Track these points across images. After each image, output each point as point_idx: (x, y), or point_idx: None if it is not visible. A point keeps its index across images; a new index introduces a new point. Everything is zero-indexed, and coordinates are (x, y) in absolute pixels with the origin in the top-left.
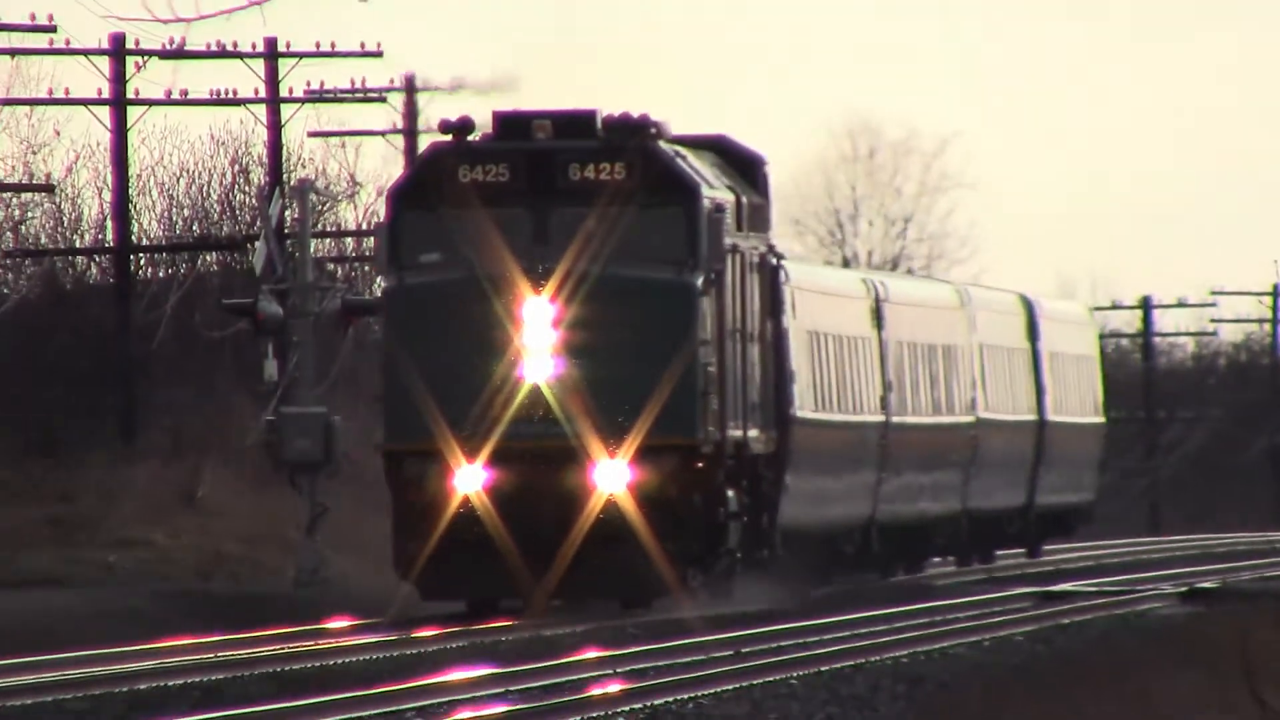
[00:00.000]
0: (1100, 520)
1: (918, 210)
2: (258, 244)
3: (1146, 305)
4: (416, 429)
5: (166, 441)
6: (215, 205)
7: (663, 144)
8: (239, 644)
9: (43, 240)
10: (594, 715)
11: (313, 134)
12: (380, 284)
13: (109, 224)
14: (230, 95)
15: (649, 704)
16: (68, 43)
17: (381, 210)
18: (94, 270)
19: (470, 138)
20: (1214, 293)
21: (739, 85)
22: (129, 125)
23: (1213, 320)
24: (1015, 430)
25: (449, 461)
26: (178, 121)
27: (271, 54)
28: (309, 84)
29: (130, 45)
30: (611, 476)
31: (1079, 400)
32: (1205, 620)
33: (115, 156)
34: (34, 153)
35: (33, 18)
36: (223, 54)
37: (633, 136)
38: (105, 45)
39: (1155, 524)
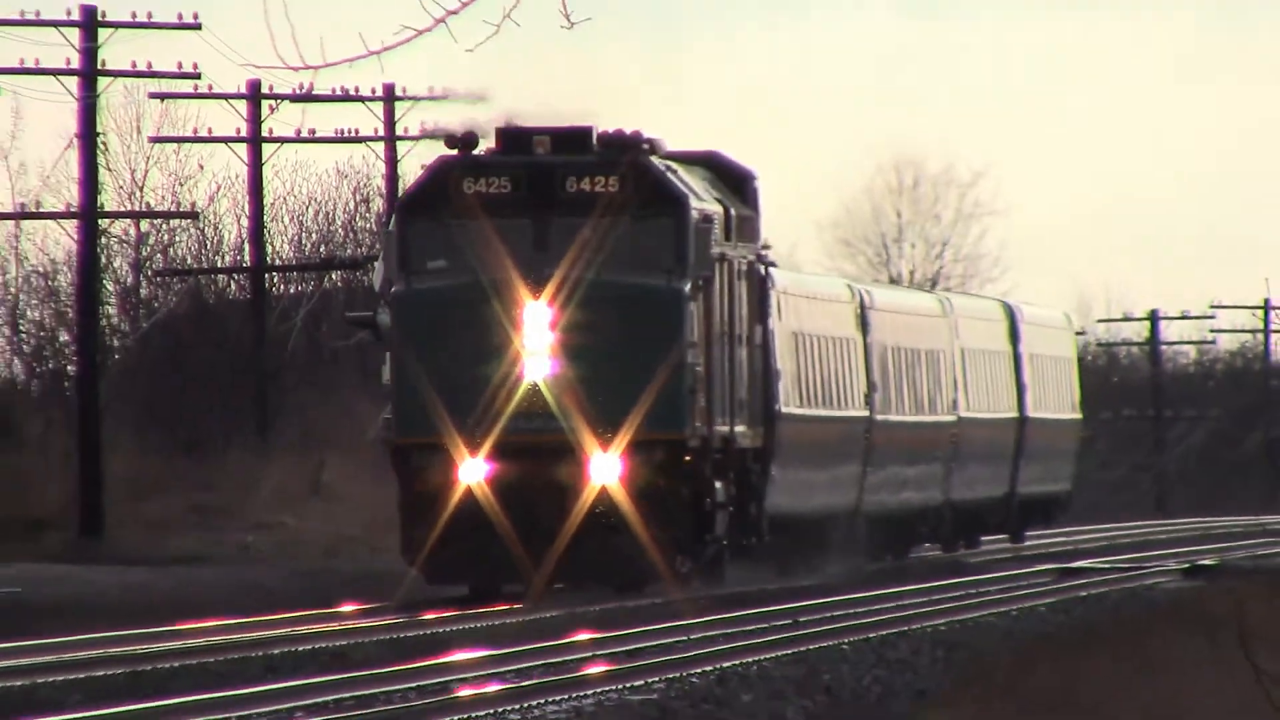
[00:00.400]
0: (1114, 507)
1: (954, 234)
2: (377, 264)
3: (1154, 317)
4: (423, 424)
5: (296, 438)
6: (339, 230)
7: (655, 159)
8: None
9: (188, 261)
10: (671, 675)
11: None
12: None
13: (246, 246)
14: (353, 134)
15: (718, 666)
16: (210, 88)
17: None
18: (233, 287)
19: (475, 152)
20: (1213, 306)
21: (798, 121)
22: (264, 160)
23: (1212, 330)
24: (997, 427)
25: (453, 454)
26: (306, 157)
27: (389, 98)
28: (422, 124)
29: (265, 90)
30: (605, 469)
31: (1057, 398)
32: (1205, 593)
33: (252, 187)
34: (181, 184)
35: (179, 66)
36: (346, 98)
37: (626, 152)
38: (243, 90)
39: (1162, 509)
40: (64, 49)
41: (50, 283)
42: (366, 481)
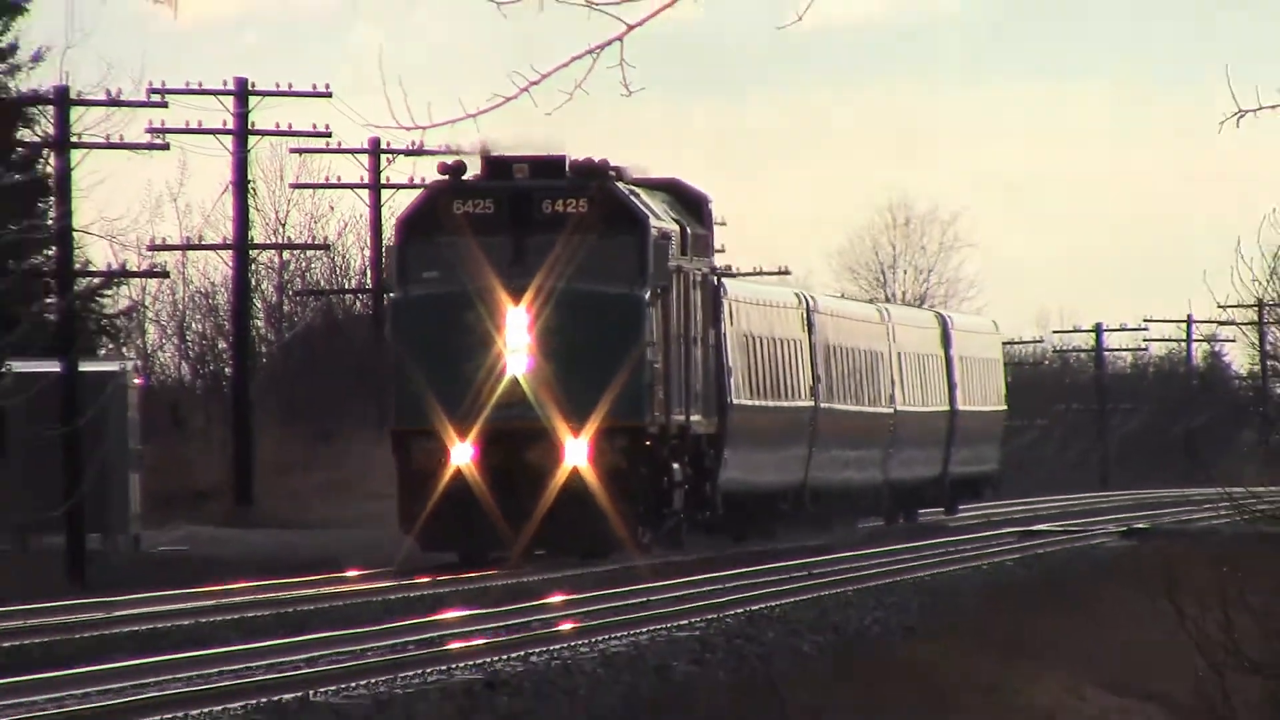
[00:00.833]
0: (1067, 482)
1: (938, 263)
2: None
3: (1098, 329)
4: (418, 414)
5: None
6: None
7: (620, 185)
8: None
9: (321, 283)
10: (711, 616)
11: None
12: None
13: (369, 272)
14: None
15: (748, 609)
16: (339, 144)
17: None
18: (358, 305)
19: (463, 177)
20: (1145, 320)
21: (813, 170)
22: (382, 203)
23: (1145, 340)
24: (930, 417)
25: (444, 440)
26: None
27: (484, 153)
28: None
29: (383, 146)
30: (575, 452)
31: (984, 394)
32: (1139, 551)
33: (373, 224)
34: (315, 221)
35: (314, 126)
36: (449, 152)
37: (594, 178)
38: (366, 146)
39: (1105, 484)
40: (221, 113)
41: (210, 301)
42: None
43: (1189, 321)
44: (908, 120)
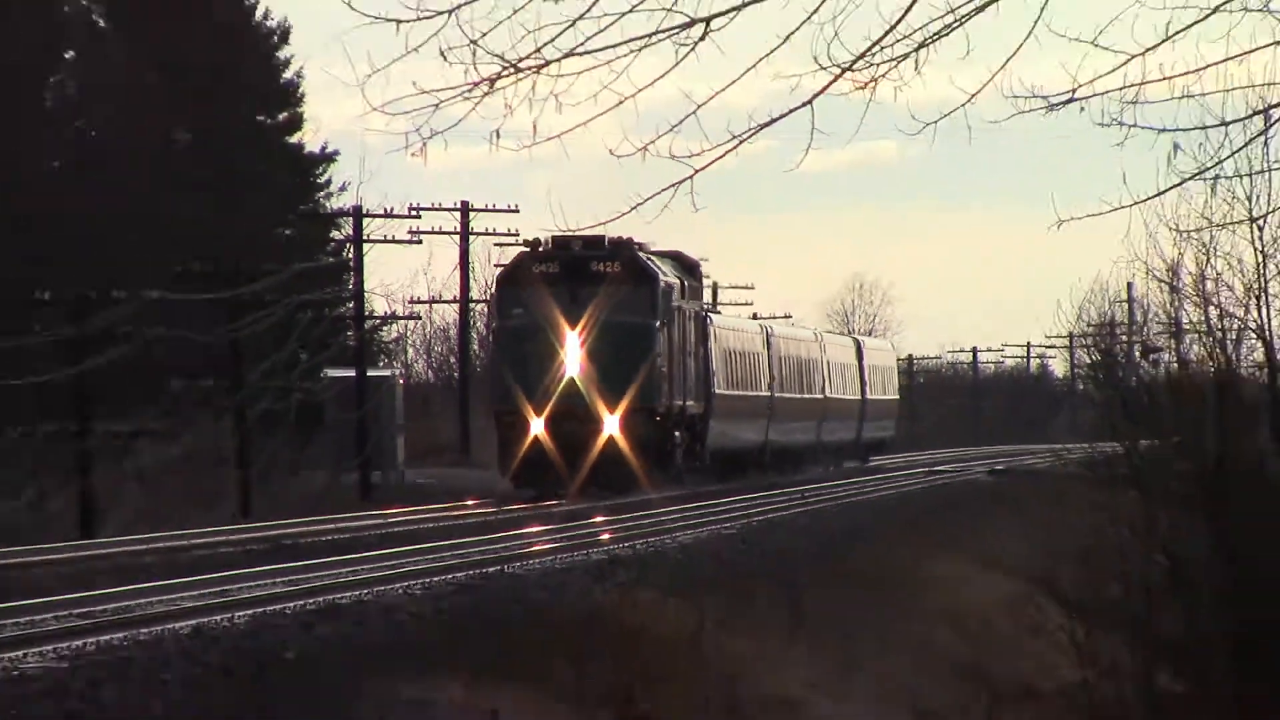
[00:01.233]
0: (954, 444)
1: (880, 312)
2: None
3: (975, 351)
4: (510, 400)
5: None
6: None
7: (640, 253)
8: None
9: None
10: (742, 521)
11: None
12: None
13: None
14: None
15: (760, 518)
16: (521, 239)
17: None
18: None
19: (539, 248)
20: (1003, 344)
21: (795, 244)
22: None
23: (1002, 356)
24: (849, 403)
25: (526, 417)
26: None
27: (629, 242)
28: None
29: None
30: (611, 425)
31: (884, 389)
32: (1002, 484)
33: None
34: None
35: (508, 229)
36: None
37: (623, 249)
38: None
39: (977, 443)
40: (453, 220)
41: (446, 334)
42: None
43: (1028, 345)
44: (864, 227)
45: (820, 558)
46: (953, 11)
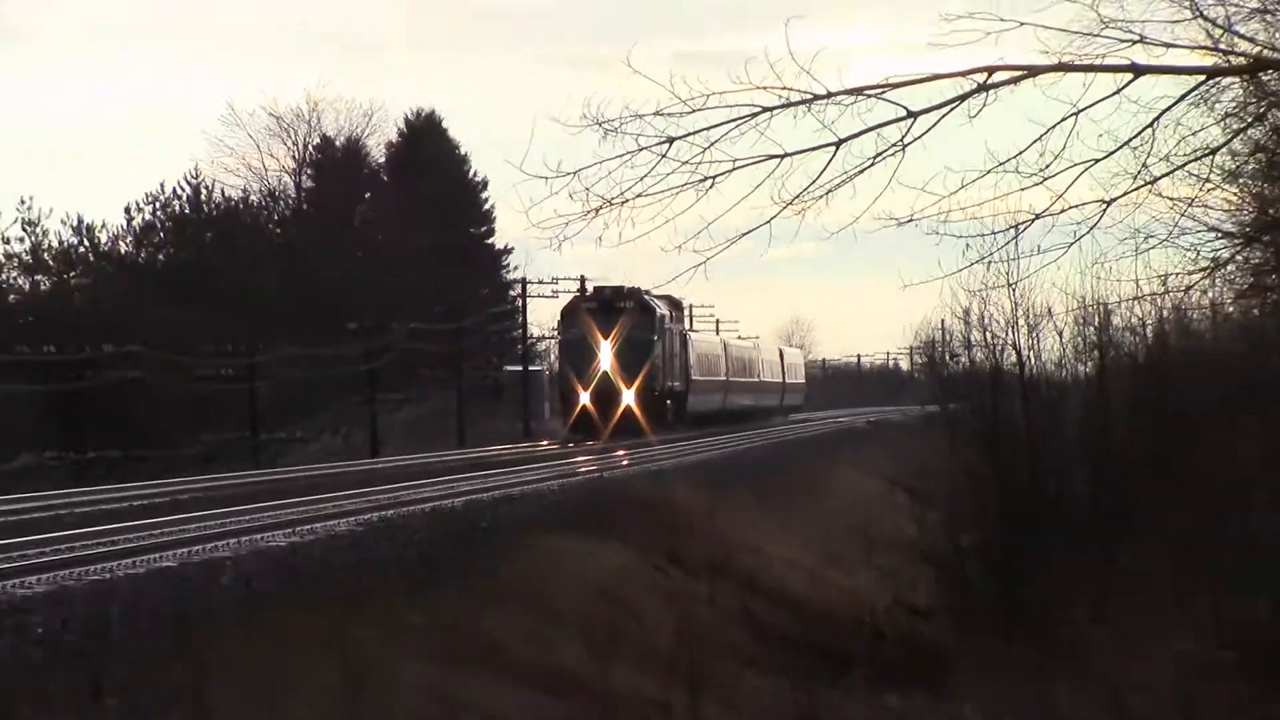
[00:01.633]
0: (846, 406)
1: (807, 334)
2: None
3: (859, 356)
4: (569, 383)
5: None
6: None
7: (646, 296)
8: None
9: None
10: (719, 454)
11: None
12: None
13: None
14: None
15: (733, 448)
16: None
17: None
18: None
19: (585, 292)
20: (874, 351)
21: (753, 297)
22: None
23: (875, 358)
24: (774, 384)
25: (577, 392)
26: None
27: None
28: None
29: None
30: (628, 398)
31: (797, 376)
32: (874, 429)
33: None
34: None
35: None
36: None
37: (635, 294)
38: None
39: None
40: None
41: None
42: None
43: (888, 353)
44: (800, 286)
45: (768, 470)
46: (845, 174)
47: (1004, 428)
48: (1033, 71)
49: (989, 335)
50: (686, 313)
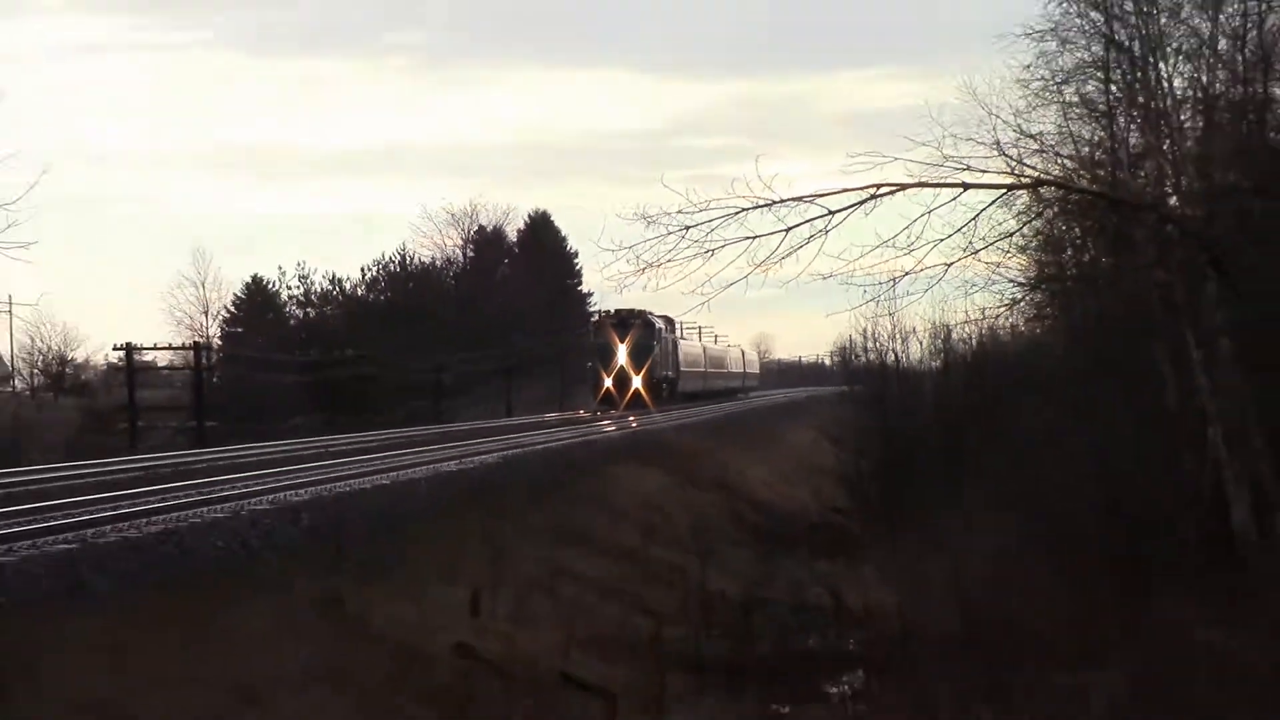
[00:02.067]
0: (788, 385)
1: (768, 341)
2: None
3: (800, 356)
4: (596, 374)
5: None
6: None
7: (649, 315)
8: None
9: None
10: (709, 420)
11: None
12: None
13: None
14: None
15: (711, 416)
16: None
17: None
18: None
19: (608, 313)
20: (812, 354)
21: (736, 319)
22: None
23: (810, 358)
24: (736, 374)
25: (603, 378)
26: None
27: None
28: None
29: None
30: (637, 382)
31: (753, 369)
32: (808, 402)
33: None
34: None
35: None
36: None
37: (642, 314)
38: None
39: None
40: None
41: None
42: None
43: (818, 355)
44: (765, 316)
45: (741, 424)
46: (791, 249)
47: (886, 400)
48: (903, 186)
49: (878, 344)
50: (678, 326)
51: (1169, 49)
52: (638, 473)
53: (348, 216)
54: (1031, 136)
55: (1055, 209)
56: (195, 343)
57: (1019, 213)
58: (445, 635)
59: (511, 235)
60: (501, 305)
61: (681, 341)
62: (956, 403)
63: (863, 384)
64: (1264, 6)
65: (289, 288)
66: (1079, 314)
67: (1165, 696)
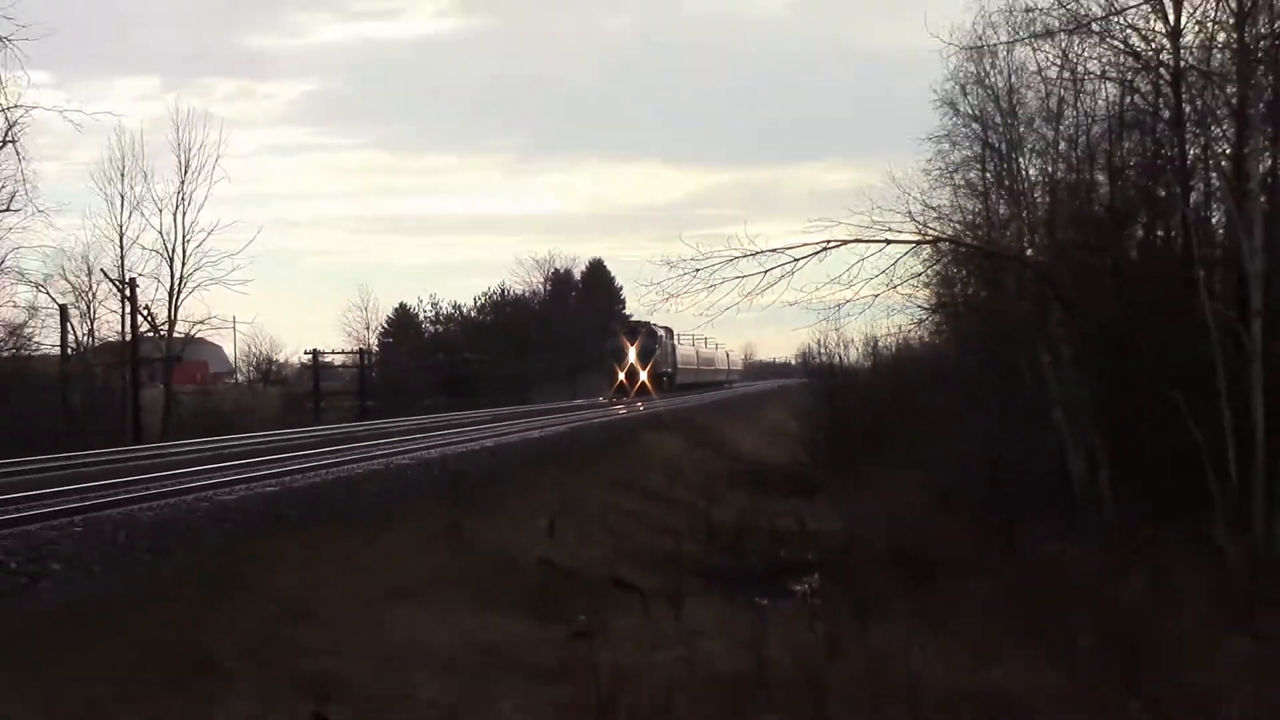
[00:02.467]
0: (765, 378)
1: (752, 349)
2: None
3: (775, 359)
4: (611, 369)
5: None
6: None
7: (654, 326)
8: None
9: None
10: (704, 404)
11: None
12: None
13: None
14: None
15: (702, 401)
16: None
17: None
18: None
19: (623, 324)
20: (780, 356)
21: (724, 330)
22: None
23: (782, 359)
24: (724, 369)
25: (618, 372)
26: None
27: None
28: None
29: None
30: (644, 376)
31: (735, 366)
32: (781, 391)
33: None
34: None
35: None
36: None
37: (647, 324)
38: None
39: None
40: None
41: None
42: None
43: (789, 357)
44: (749, 329)
45: (730, 407)
46: (769, 285)
47: (834, 390)
48: (845, 242)
49: (827, 350)
50: (677, 334)
51: (1026, 148)
52: (660, 439)
53: (466, 262)
54: (933, 208)
55: (949, 258)
56: (360, 349)
57: (924, 260)
58: (531, 551)
59: (577, 275)
60: (570, 324)
61: (678, 344)
62: (882, 392)
63: (817, 378)
64: (1090, 120)
65: (424, 312)
66: (967, 331)
67: (1022, 590)
